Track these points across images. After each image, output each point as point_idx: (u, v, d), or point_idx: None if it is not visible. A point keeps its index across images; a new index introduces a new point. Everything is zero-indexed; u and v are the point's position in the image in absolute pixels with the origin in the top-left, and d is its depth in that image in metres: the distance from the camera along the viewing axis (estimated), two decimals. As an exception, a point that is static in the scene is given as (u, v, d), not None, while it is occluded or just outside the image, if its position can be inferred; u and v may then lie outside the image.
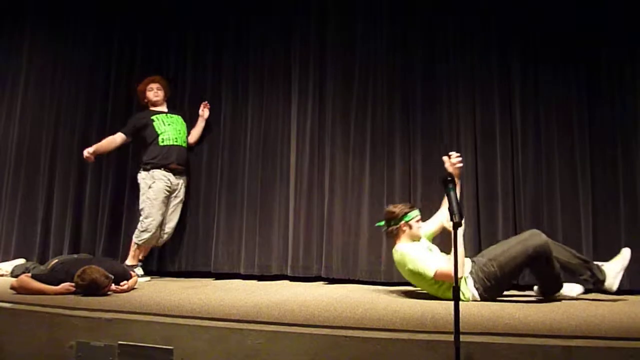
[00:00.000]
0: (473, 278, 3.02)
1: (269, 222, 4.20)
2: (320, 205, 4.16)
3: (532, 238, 2.94)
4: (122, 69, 4.79)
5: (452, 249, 1.79)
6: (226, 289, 3.55)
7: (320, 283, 4.02)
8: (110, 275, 3.06)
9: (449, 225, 2.81)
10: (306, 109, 4.30)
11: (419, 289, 3.31)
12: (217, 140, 4.52)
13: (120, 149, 4.48)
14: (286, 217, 4.21)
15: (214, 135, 4.55)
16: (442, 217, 3.30)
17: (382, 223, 3.32)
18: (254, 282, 4.07)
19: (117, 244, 4.53)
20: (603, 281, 3.00)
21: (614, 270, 3.02)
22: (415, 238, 3.22)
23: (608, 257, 3.19)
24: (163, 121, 4.35)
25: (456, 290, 1.78)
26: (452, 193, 1.86)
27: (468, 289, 3.00)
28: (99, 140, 4.38)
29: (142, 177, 4.24)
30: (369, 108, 4.17)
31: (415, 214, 3.21)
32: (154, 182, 4.18)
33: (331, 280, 4.02)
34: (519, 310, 2.63)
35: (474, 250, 3.75)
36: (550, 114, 3.88)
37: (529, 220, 3.70)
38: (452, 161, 3.25)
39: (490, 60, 4.00)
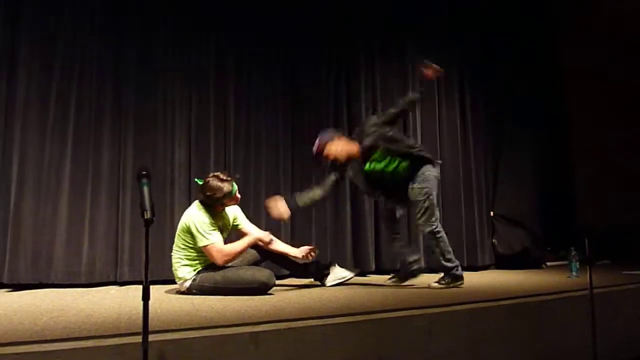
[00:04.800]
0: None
1: None
2: (4, 195, 3.48)
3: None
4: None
5: (144, 246, 1.70)
6: None
7: (3, 291, 3.38)
8: None
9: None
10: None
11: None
12: None
13: None
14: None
15: None
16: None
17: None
18: None
19: None
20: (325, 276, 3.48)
21: (338, 275, 3.50)
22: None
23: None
24: None
25: (146, 290, 1.69)
26: (145, 189, 1.77)
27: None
28: None
29: None
30: (74, 90, 3.72)
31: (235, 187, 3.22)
32: None
33: (17, 287, 3.41)
34: (220, 302, 2.72)
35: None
36: (259, 111, 4.25)
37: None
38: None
39: (206, 55, 4.11)
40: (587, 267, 2.86)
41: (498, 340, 2.65)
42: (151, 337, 1.72)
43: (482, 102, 5.27)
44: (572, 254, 4.02)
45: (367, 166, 3.41)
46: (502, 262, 5.08)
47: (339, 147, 3.38)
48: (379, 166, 3.38)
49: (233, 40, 4.21)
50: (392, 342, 2.32)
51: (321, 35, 4.56)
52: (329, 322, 2.22)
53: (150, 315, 1.70)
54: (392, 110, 3.46)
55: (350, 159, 3.41)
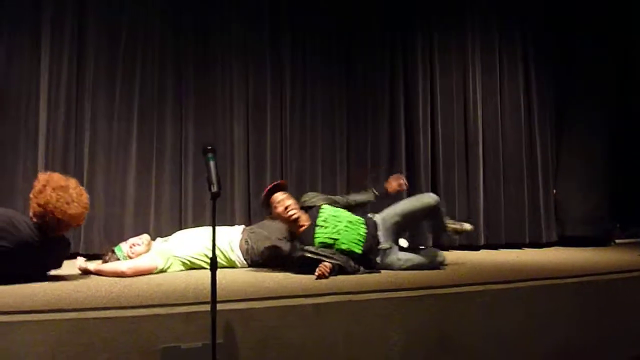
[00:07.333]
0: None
1: (9, 189, 3.55)
2: (78, 172, 3.68)
3: None
4: None
5: (211, 219, 1.76)
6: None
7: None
8: None
9: None
10: (61, 63, 3.69)
11: None
12: None
13: None
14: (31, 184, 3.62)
15: None
16: None
17: None
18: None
19: None
20: None
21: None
22: None
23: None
24: None
25: (214, 261, 1.76)
26: (211, 163, 1.82)
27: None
28: None
29: None
30: (138, 70, 3.85)
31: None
32: None
33: (91, 257, 3.63)
34: (283, 274, 2.78)
35: (244, 218, 3.89)
36: (315, 87, 4.24)
37: (294, 188, 4.00)
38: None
39: (262, 32, 4.13)
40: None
41: (561, 318, 2.57)
42: (218, 307, 1.78)
43: (546, 70, 4.96)
44: (645, 231, 3.81)
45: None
46: (567, 239, 4.86)
47: None
48: None
49: (289, 16, 4.20)
50: (454, 318, 2.30)
51: (378, 10, 4.45)
52: (390, 296, 2.23)
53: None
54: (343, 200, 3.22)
55: None
